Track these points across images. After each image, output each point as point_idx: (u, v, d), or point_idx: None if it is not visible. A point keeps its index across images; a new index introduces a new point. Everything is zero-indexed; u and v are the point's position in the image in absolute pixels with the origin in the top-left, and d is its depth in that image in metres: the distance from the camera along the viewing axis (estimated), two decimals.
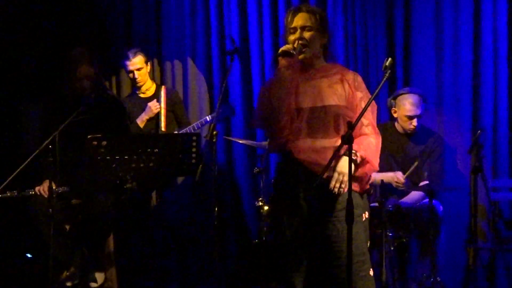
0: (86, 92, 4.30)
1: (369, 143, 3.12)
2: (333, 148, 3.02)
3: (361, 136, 3.12)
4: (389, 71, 3.00)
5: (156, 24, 5.79)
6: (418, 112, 4.69)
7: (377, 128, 3.19)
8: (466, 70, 5.11)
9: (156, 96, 5.32)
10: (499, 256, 4.90)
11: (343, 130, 3.08)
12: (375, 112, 3.22)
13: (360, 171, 3.09)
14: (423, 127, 4.81)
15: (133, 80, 5.26)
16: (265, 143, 4.85)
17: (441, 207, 4.76)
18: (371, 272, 3.15)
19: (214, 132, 3.90)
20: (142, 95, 5.33)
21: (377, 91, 3.00)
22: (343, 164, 2.99)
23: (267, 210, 4.59)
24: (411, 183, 4.69)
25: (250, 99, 5.61)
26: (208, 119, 5.16)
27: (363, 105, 3.09)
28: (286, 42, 3.19)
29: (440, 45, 5.18)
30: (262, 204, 4.61)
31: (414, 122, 4.70)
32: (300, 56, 3.13)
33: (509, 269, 4.87)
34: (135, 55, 5.16)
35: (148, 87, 5.32)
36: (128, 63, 5.18)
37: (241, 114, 5.52)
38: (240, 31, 5.58)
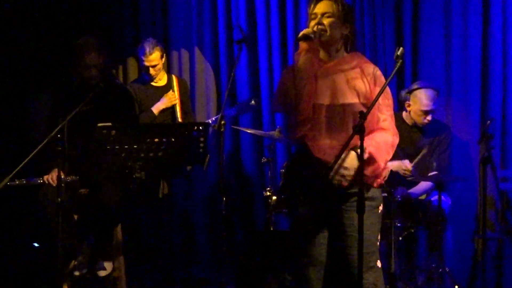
0: (94, 81, 4.29)
1: (383, 140, 3.03)
2: (352, 145, 2.95)
3: (377, 131, 3.05)
4: (400, 60, 3.00)
5: (163, 13, 5.76)
6: (433, 107, 4.67)
7: (395, 128, 3.12)
8: (475, 60, 5.07)
9: (169, 85, 5.28)
10: (507, 246, 4.89)
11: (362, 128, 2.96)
12: (391, 106, 3.14)
13: (366, 169, 2.99)
14: (432, 119, 4.77)
15: (146, 70, 5.21)
16: (272, 132, 4.84)
17: (449, 201, 4.74)
18: (379, 264, 3.14)
19: (222, 122, 3.89)
20: (154, 84, 5.28)
21: (388, 81, 3.00)
22: (349, 161, 2.94)
23: (275, 200, 4.57)
24: (420, 171, 4.67)
25: (257, 88, 5.59)
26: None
27: (381, 102, 3.05)
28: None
29: (449, 35, 5.14)
30: (269, 194, 4.59)
31: (429, 117, 4.67)
32: (321, 39, 3.09)
33: None
34: (152, 51, 5.06)
35: (160, 77, 5.28)
36: (144, 58, 5.11)
37: None
38: (248, 19, 5.55)
